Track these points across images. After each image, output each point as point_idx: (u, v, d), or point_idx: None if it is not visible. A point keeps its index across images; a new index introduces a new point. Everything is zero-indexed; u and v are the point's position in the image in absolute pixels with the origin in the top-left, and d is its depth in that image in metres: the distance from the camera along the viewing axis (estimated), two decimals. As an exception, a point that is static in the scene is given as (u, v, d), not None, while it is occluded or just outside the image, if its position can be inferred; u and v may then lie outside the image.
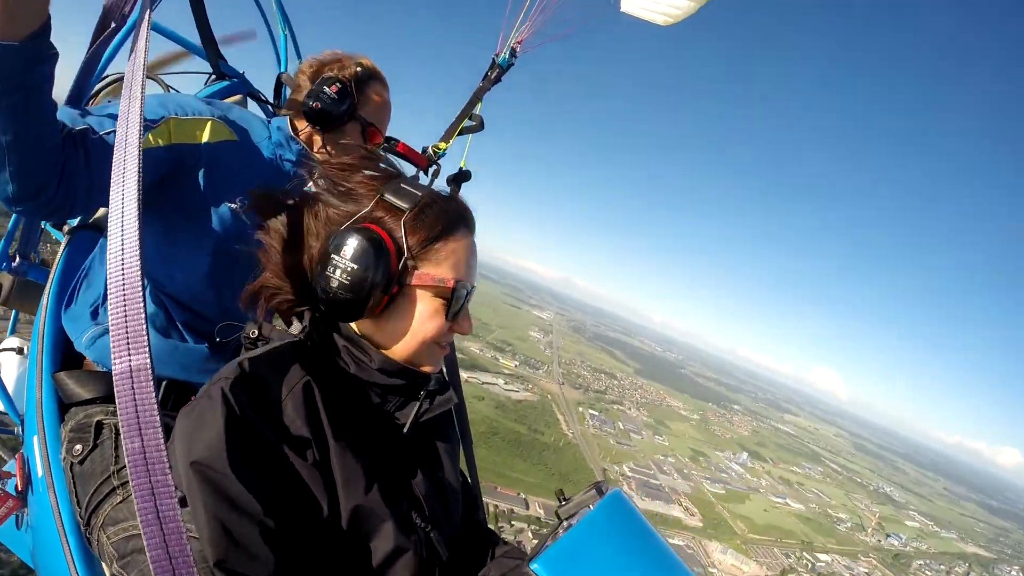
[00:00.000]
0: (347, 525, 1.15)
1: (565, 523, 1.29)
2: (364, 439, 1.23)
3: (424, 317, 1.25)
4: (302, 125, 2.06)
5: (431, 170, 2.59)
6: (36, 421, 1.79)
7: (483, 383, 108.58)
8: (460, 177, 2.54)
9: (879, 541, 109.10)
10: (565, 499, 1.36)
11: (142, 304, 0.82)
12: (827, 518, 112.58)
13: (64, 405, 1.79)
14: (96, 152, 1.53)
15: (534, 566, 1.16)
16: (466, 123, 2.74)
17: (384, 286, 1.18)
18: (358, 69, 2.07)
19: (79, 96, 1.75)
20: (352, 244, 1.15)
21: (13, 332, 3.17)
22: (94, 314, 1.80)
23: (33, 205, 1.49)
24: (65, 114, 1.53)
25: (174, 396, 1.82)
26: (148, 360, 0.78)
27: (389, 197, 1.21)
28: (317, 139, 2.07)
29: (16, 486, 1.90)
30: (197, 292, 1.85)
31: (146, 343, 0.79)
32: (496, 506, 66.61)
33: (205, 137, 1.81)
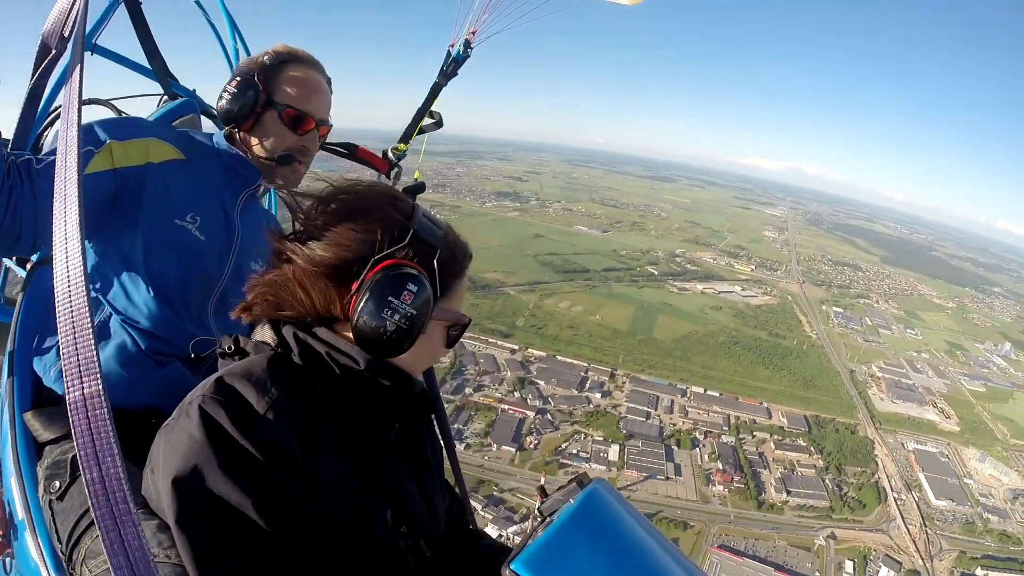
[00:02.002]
0: (334, 535, 1.15)
1: (546, 520, 1.26)
2: (348, 448, 1.24)
3: (437, 346, 1.35)
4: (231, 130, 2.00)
5: (392, 173, 2.64)
6: (11, 462, 1.77)
7: (719, 292, 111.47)
8: (415, 189, 2.47)
9: None
10: (545, 495, 1.32)
11: (91, 331, 0.80)
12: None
13: (39, 444, 1.77)
14: (41, 182, 1.55)
15: (513, 566, 1.14)
16: (425, 122, 2.72)
17: (422, 324, 1.24)
18: (265, 58, 1.98)
19: (25, 132, 1.78)
20: (411, 288, 1.20)
21: None
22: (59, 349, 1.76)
23: None
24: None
25: (154, 422, 1.62)
26: (100, 387, 0.76)
27: (422, 233, 1.27)
28: (251, 139, 1.99)
29: None
30: (158, 314, 1.83)
31: (98, 371, 0.78)
32: (737, 417, 67.17)
33: (149, 158, 1.82)
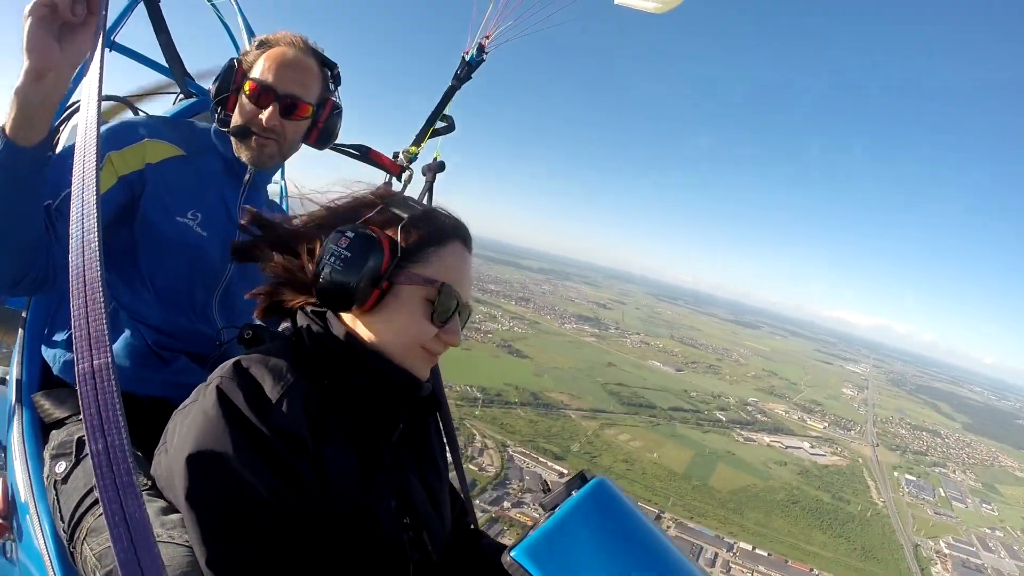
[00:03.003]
0: (338, 523, 1.17)
1: (547, 513, 1.26)
2: (356, 440, 1.26)
3: (412, 316, 1.31)
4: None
5: (404, 175, 2.65)
6: (17, 444, 1.79)
7: (786, 447, 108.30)
8: (436, 167, 2.50)
9: None
10: (548, 489, 1.33)
11: (103, 305, 0.80)
12: None
13: (46, 427, 1.78)
14: (61, 224, 1.56)
15: (513, 554, 1.15)
16: (437, 125, 2.71)
17: (374, 278, 1.26)
18: (254, 43, 2.01)
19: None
20: (349, 236, 1.27)
21: None
22: (69, 342, 1.80)
23: (12, 291, 1.70)
24: None
25: (161, 413, 1.60)
26: (109, 360, 0.76)
27: (392, 208, 1.36)
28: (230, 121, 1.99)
29: (0, 511, 1.96)
30: (163, 310, 1.87)
31: (107, 344, 0.77)
32: (782, 583, 63.31)
33: (146, 159, 1.84)
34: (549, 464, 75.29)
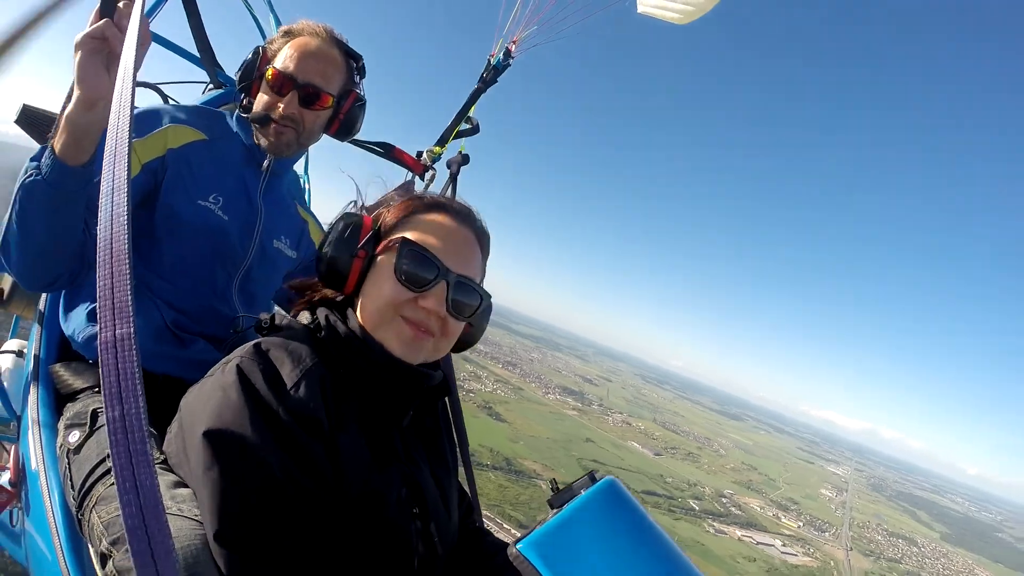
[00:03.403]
0: (347, 509, 1.16)
1: (555, 510, 1.26)
2: (369, 428, 1.27)
3: (383, 278, 1.31)
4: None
5: (427, 175, 2.66)
6: (32, 414, 1.80)
7: (758, 543, 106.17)
8: (460, 161, 2.52)
9: None
10: (557, 488, 1.33)
11: (129, 276, 0.80)
12: None
13: (61, 399, 1.79)
14: (94, 221, 1.48)
15: (519, 547, 1.16)
16: (461, 127, 2.72)
17: (352, 250, 1.33)
18: (279, 34, 2.04)
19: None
20: (338, 219, 1.38)
21: (15, 335, 3.12)
22: (91, 315, 1.78)
23: (47, 289, 1.84)
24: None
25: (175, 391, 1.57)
26: (132, 331, 0.76)
27: (393, 195, 1.42)
28: (252, 108, 2.03)
29: (10, 478, 2.00)
30: (183, 291, 1.88)
31: (131, 315, 0.77)
32: None
33: (168, 145, 1.87)
34: (512, 531, 73.43)
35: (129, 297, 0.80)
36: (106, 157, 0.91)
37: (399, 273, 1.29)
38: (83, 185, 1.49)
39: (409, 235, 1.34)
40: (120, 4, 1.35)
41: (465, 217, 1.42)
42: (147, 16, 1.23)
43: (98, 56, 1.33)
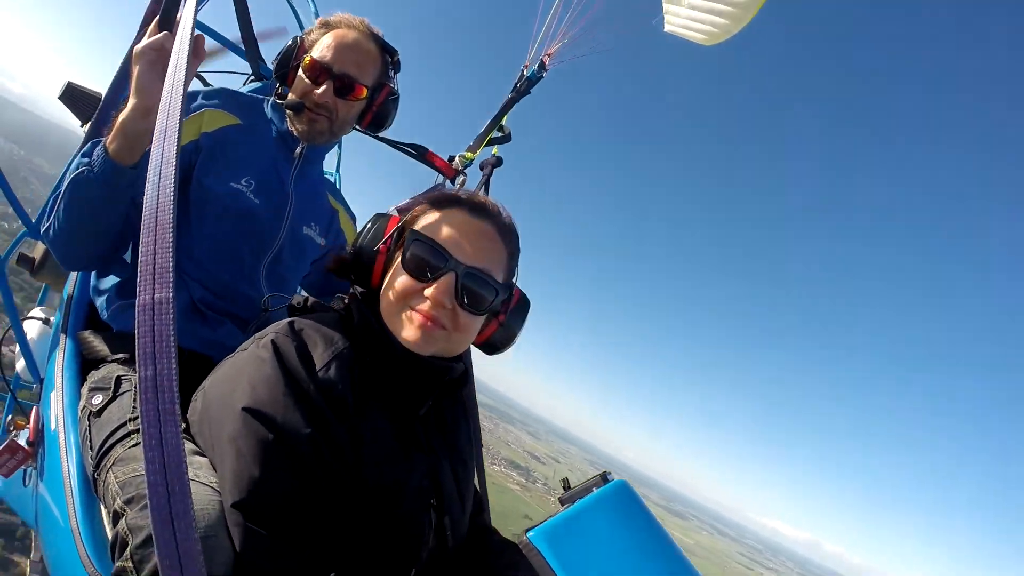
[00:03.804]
0: (366, 491, 1.17)
1: (565, 506, 1.30)
2: (394, 415, 1.29)
3: (397, 271, 1.34)
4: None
5: (458, 180, 2.68)
6: (56, 377, 1.83)
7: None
8: (493, 163, 2.57)
9: None
10: (569, 487, 1.37)
11: (172, 244, 0.82)
12: None
13: (85, 365, 1.82)
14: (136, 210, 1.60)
15: (530, 535, 1.19)
16: (494, 134, 2.75)
17: (376, 243, 1.40)
18: (317, 25, 2.08)
19: (119, 89, 1.90)
20: (369, 219, 1.46)
21: (43, 303, 3.11)
22: (121, 287, 1.84)
23: (87, 268, 1.93)
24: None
25: (200, 367, 1.62)
26: (171, 295, 0.78)
27: (420, 196, 1.47)
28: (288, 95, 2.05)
29: (28, 438, 2.01)
30: (212, 271, 1.91)
31: (171, 280, 0.79)
32: None
33: (202, 129, 1.92)
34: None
35: (171, 263, 0.82)
36: (156, 132, 0.94)
37: (406, 264, 1.32)
38: (131, 183, 1.57)
39: (419, 228, 1.36)
40: (179, 19, 1.40)
41: (481, 211, 1.40)
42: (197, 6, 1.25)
43: (157, 67, 1.41)
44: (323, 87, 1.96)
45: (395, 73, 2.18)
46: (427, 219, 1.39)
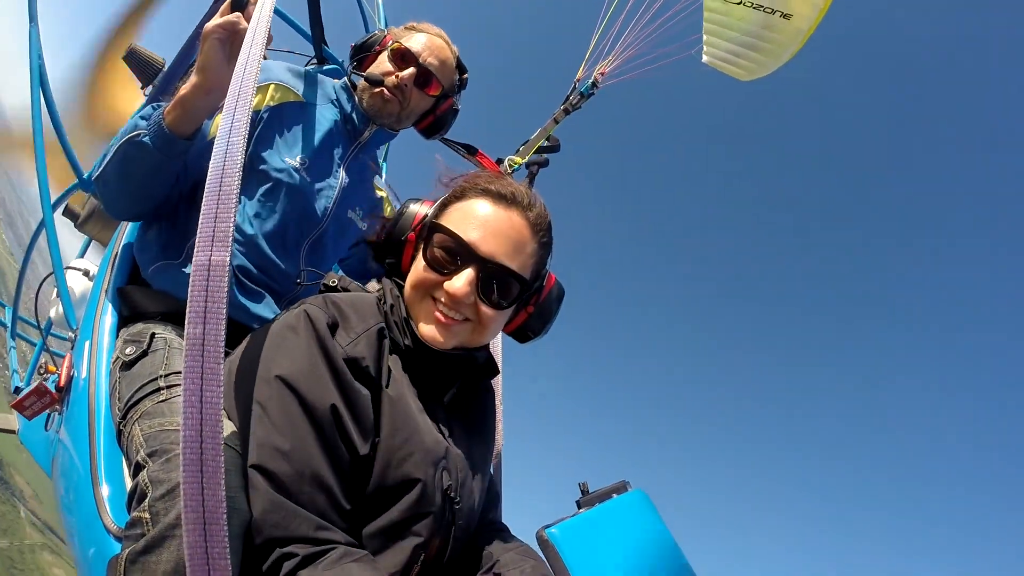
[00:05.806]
0: (384, 466, 1.18)
1: (582, 509, 1.31)
2: (417, 394, 1.30)
3: (419, 262, 1.34)
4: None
5: None
6: (94, 327, 1.86)
7: None
8: (540, 162, 2.60)
9: None
10: (586, 492, 1.37)
11: (233, 211, 0.84)
12: None
13: (121, 320, 1.84)
14: (193, 163, 1.73)
15: (548, 531, 1.20)
16: (543, 143, 2.77)
17: (405, 233, 1.41)
18: (404, 27, 2.19)
19: (183, 62, 2.06)
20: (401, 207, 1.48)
21: (83, 255, 3.08)
22: (165, 247, 1.84)
23: (133, 219, 2.00)
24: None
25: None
26: (228, 258, 0.80)
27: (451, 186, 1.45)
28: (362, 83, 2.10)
29: (57, 383, 2.02)
30: (254, 243, 1.90)
31: (230, 245, 0.82)
32: None
33: (267, 101, 1.95)
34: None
35: (231, 228, 0.83)
36: (228, 100, 0.96)
37: (426, 256, 1.31)
38: (185, 151, 1.63)
39: (442, 220, 1.35)
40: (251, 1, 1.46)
41: (510, 201, 1.35)
42: None
43: (226, 47, 1.47)
44: (408, 72, 2.06)
45: (460, 90, 2.30)
46: (453, 209, 1.38)
